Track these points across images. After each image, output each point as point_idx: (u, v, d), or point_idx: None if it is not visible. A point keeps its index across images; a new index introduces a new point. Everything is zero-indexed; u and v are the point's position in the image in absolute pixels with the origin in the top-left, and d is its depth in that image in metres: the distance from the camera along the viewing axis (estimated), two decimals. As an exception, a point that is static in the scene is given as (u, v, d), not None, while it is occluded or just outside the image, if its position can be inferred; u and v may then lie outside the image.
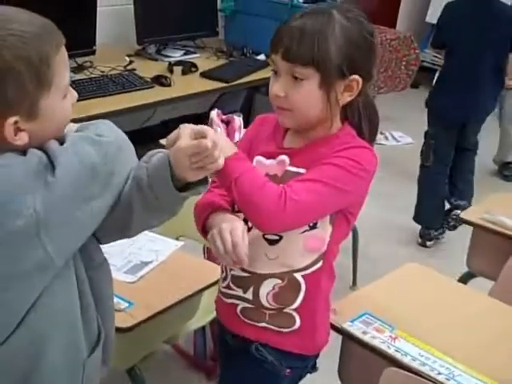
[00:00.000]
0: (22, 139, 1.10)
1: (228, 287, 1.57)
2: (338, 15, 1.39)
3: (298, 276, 1.50)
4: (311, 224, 1.45)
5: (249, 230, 1.48)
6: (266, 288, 1.51)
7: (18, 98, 1.07)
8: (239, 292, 1.55)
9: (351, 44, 1.38)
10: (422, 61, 5.88)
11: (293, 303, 1.52)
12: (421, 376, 1.57)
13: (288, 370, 1.57)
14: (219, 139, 1.21)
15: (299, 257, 1.49)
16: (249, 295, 1.53)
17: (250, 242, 1.43)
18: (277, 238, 1.47)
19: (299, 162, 1.46)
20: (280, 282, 1.50)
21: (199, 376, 2.59)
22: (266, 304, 1.52)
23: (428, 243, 3.76)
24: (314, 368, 1.65)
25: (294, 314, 1.53)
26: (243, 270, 1.52)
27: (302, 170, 1.45)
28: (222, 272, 1.61)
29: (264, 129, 1.56)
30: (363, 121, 1.51)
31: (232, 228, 1.37)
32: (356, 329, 1.74)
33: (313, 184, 1.38)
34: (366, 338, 1.71)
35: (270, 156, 1.50)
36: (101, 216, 1.17)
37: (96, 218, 1.16)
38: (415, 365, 1.63)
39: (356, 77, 1.41)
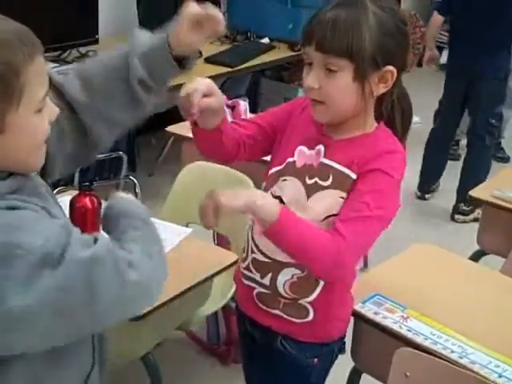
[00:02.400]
0: None
1: (247, 269, 1.58)
2: (371, 4, 1.37)
3: None
4: None
5: None
6: (285, 276, 1.51)
7: None
8: (257, 276, 1.55)
9: (385, 34, 1.36)
10: (428, 39, 5.83)
11: (309, 296, 1.52)
12: (433, 355, 1.58)
13: (315, 360, 1.58)
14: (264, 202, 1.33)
15: None
16: (266, 281, 1.54)
17: None
18: None
19: (335, 156, 1.45)
20: (299, 272, 1.50)
21: (213, 361, 2.61)
22: (282, 292, 1.52)
23: (426, 196, 4.03)
24: (341, 350, 1.65)
25: (309, 306, 1.53)
26: (265, 255, 1.53)
27: (337, 165, 1.44)
28: (244, 252, 1.61)
29: (304, 114, 1.53)
30: (396, 113, 1.49)
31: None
32: (367, 310, 1.74)
33: (363, 223, 1.37)
34: (378, 319, 1.71)
35: (310, 143, 1.49)
36: None
37: None
38: (427, 344, 1.63)
39: (390, 67, 1.39)
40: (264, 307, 1.56)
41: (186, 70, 1.28)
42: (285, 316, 1.54)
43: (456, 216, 3.82)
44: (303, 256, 1.39)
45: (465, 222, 3.78)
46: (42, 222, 1.02)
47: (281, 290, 1.52)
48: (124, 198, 1.22)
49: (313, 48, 1.38)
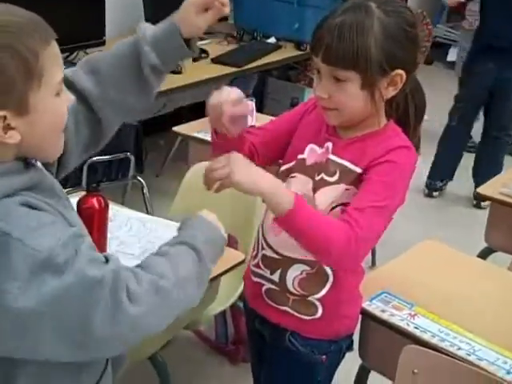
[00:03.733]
0: (14, 137, 1.03)
1: (257, 266, 1.59)
2: (376, 9, 1.36)
3: (327, 267, 1.51)
4: None
5: None
6: (294, 272, 1.52)
7: (5, 89, 1.00)
8: (266, 273, 1.56)
9: (391, 40, 1.36)
10: (435, 36, 5.82)
11: (318, 292, 1.52)
12: (441, 352, 1.58)
13: (324, 357, 1.58)
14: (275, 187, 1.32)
15: None
16: (275, 277, 1.55)
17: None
18: None
19: (343, 153, 1.46)
20: (309, 268, 1.51)
21: (221, 360, 2.62)
22: (291, 288, 1.53)
23: (434, 193, 4.04)
24: (349, 348, 1.66)
25: (317, 303, 1.53)
26: (275, 251, 1.54)
27: (345, 163, 1.45)
28: (254, 250, 1.62)
29: (315, 112, 1.54)
30: (410, 106, 1.51)
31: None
32: (375, 307, 1.74)
33: (377, 213, 1.37)
34: (385, 316, 1.71)
35: (319, 141, 1.50)
36: None
37: None
38: (435, 341, 1.63)
39: (399, 71, 1.39)
40: (273, 304, 1.58)
41: (192, 52, 1.36)
42: (293, 312, 1.55)
43: (483, 203, 3.82)
44: (314, 244, 1.36)
45: None
46: (56, 227, 1.03)
47: (290, 286, 1.53)
48: (203, 222, 1.22)
49: (320, 59, 1.38)
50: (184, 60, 1.39)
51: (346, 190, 1.43)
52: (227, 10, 1.35)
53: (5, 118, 1.02)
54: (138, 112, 1.39)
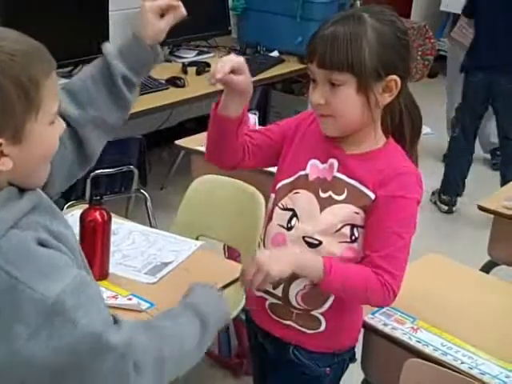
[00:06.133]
0: (6, 165, 1.03)
1: None
2: (369, 18, 1.39)
3: None
4: (353, 237, 1.47)
5: (290, 228, 1.51)
6: (297, 287, 1.52)
7: (4, 118, 1.01)
8: (269, 287, 1.55)
9: (385, 46, 1.39)
10: (439, 50, 5.84)
11: (321, 307, 1.53)
12: (443, 366, 1.57)
13: (327, 369, 1.59)
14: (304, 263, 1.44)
15: None
16: (278, 292, 1.55)
17: (290, 241, 1.50)
18: (317, 242, 1.48)
19: (349, 171, 1.47)
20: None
21: (224, 373, 2.61)
22: (294, 303, 1.53)
23: (454, 208, 4.02)
24: (352, 359, 1.66)
25: (321, 317, 1.54)
26: None
27: (351, 181, 1.46)
28: None
29: (313, 126, 1.55)
30: (405, 121, 1.52)
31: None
32: (377, 321, 1.74)
33: (401, 253, 1.45)
34: (387, 330, 1.71)
35: (321, 156, 1.51)
36: None
37: None
38: (437, 355, 1.63)
39: (394, 77, 1.41)
40: (276, 318, 1.58)
41: (158, 58, 1.40)
42: (297, 327, 1.55)
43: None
44: (356, 300, 1.52)
45: None
46: (66, 270, 1.03)
47: (293, 301, 1.53)
48: (206, 291, 1.35)
49: (315, 65, 1.40)
50: (152, 67, 1.42)
51: (356, 213, 1.45)
52: (183, 10, 1.38)
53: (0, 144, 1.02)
54: (116, 128, 1.41)
